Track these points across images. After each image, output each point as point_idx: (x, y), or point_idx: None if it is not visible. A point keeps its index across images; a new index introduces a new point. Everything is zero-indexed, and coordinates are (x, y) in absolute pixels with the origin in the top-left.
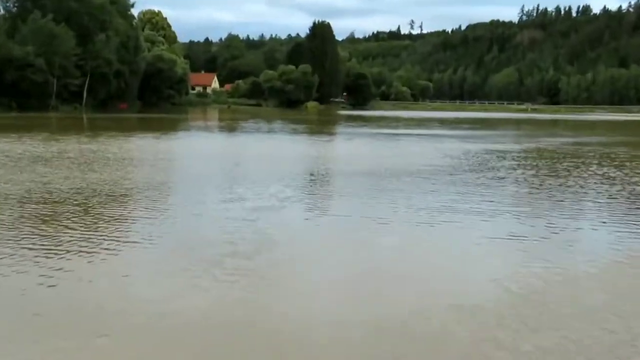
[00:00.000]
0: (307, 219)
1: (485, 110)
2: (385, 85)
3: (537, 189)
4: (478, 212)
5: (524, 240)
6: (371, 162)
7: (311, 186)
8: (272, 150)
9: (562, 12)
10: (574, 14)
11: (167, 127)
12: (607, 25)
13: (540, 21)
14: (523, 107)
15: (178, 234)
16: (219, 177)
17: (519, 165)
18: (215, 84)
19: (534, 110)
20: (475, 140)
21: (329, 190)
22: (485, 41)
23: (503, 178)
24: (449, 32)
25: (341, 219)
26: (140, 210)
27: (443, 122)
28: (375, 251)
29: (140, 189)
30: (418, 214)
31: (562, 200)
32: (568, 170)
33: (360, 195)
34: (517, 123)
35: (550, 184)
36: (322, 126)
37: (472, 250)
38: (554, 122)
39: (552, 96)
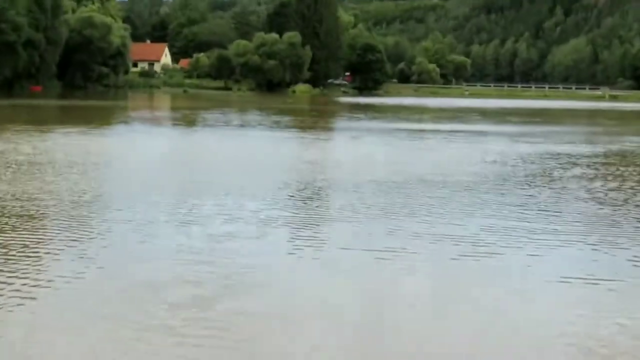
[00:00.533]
0: (294, 252)
1: (545, 97)
2: (404, 61)
3: (620, 208)
4: (537, 241)
5: (605, 281)
6: (386, 169)
7: (302, 204)
8: (246, 153)
9: None
10: None
11: (99, 118)
12: None
13: None
14: (598, 93)
15: (115, 271)
16: (172, 190)
17: (594, 175)
18: (166, 58)
19: (614, 98)
20: (532, 140)
21: (326, 211)
22: (545, 0)
23: (572, 193)
24: None
25: (344, 253)
26: (64, 237)
27: (486, 114)
28: (392, 301)
29: (64, 206)
30: (452, 245)
31: None
32: None
33: (371, 217)
34: (591, 116)
35: (637, 202)
36: (317, 119)
37: (531, 297)
38: None
39: (639, 78)
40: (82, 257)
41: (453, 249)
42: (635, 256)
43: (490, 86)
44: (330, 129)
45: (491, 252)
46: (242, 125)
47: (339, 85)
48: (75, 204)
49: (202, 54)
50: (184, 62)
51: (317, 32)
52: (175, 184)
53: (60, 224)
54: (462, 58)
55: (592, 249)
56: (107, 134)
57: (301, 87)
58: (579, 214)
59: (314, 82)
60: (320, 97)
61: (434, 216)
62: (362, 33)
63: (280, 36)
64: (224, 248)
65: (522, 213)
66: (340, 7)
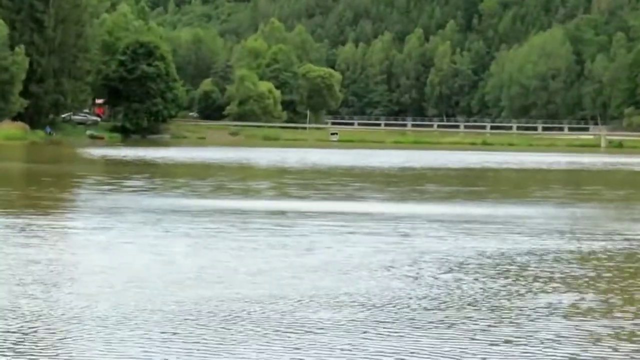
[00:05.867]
0: None
1: (485, 145)
2: (214, 76)
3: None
4: None
5: None
6: (194, 289)
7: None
8: None
9: None
10: None
11: None
12: None
13: None
14: (587, 137)
15: None
16: None
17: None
18: None
19: (618, 147)
20: (482, 232)
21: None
22: None
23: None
24: None
25: None
26: None
27: (364, 177)
28: None
29: None
30: None
31: None
32: None
33: None
34: (576, 181)
35: None
36: (59, 190)
37: None
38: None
39: None
40: None
41: None
42: None
43: (380, 125)
44: (90, 210)
45: None
46: None
47: (84, 123)
48: None
49: None
50: None
51: (39, 20)
52: None
53: None
54: (324, 70)
55: None
56: None
57: (7, 129)
58: None
59: (34, 117)
60: (49, 147)
61: None
62: (129, 19)
63: None
64: None
65: None
66: None
